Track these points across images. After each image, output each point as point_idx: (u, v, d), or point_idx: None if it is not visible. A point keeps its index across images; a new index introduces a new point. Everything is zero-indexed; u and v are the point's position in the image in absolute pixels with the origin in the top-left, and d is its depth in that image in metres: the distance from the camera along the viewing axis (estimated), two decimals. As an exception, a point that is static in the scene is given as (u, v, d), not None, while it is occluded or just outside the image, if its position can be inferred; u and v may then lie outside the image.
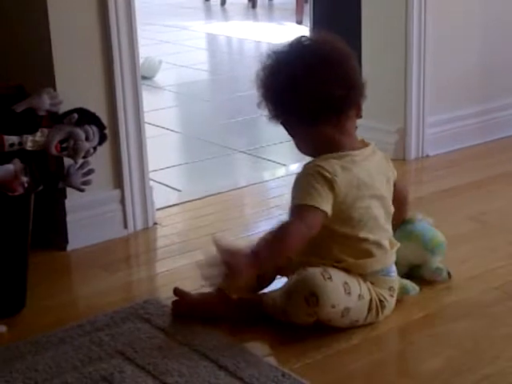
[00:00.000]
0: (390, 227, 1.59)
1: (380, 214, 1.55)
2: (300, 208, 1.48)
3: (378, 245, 1.55)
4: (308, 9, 3.12)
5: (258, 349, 1.47)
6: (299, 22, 5.63)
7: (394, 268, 1.59)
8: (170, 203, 2.27)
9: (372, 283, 1.54)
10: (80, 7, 1.89)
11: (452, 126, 2.64)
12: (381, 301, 1.54)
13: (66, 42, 1.88)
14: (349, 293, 1.49)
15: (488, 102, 2.73)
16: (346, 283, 1.49)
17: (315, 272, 1.48)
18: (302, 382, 1.37)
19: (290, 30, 5.43)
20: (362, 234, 1.52)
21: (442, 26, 2.56)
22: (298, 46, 1.56)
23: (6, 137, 1.64)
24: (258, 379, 1.37)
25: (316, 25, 2.99)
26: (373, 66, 2.62)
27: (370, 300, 1.53)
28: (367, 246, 1.53)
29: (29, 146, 1.66)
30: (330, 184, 1.48)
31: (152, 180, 2.17)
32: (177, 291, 1.64)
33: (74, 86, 1.89)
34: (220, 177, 2.48)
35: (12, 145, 1.65)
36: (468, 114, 2.68)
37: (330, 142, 1.54)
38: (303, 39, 1.56)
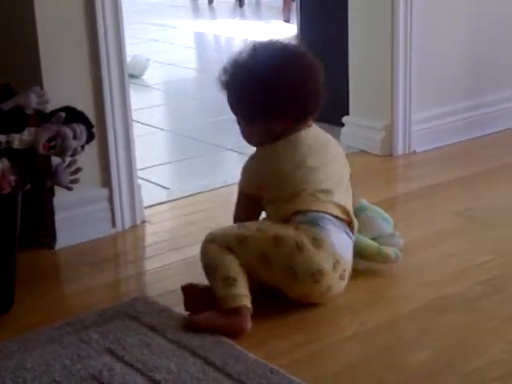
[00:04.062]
0: None
1: None
2: None
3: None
4: (295, 7, 3.12)
5: (247, 345, 1.47)
6: (287, 21, 5.64)
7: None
8: (159, 201, 2.27)
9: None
10: (67, 5, 1.89)
11: (439, 122, 2.65)
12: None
13: (53, 41, 1.88)
14: None
15: (474, 99, 2.74)
16: None
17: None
18: (290, 377, 1.37)
19: (278, 28, 5.44)
20: None
21: (428, 23, 2.57)
22: (273, 51, 1.70)
23: (-8, 136, 1.64)
24: (247, 375, 1.37)
25: (303, 23, 2.99)
26: (359, 63, 2.63)
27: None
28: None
29: (16, 144, 1.66)
30: None
31: (140, 178, 2.17)
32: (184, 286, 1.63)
33: (61, 84, 1.89)
34: (208, 175, 2.48)
35: (-1, 144, 1.64)
36: (454, 110, 2.69)
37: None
38: (279, 44, 1.71)
